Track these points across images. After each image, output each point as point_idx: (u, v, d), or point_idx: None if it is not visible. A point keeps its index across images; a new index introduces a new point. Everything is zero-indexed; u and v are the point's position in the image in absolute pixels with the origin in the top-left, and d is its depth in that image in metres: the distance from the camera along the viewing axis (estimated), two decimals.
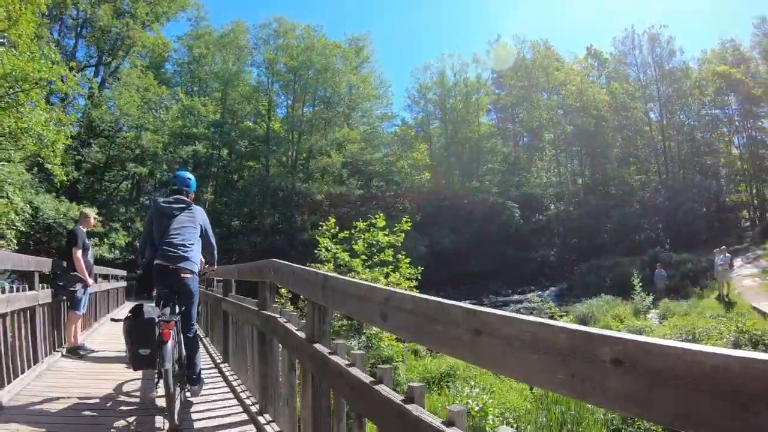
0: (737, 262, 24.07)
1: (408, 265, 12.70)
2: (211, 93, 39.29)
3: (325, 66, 39.42)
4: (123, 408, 4.20)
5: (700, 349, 0.82)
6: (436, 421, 1.44)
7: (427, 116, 49.90)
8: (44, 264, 5.93)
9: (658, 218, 36.94)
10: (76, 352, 6.31)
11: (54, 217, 21.57)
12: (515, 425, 7.01)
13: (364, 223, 13.51)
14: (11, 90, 14.72)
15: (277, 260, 3.68)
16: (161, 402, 4.04)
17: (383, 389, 1.75)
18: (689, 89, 40.53)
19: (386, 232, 13.41)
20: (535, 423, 7.12)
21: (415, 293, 1.64)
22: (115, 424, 3.73)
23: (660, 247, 31.76)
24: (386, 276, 12.22)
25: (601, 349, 0.95)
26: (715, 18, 65.99)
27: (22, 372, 4.75)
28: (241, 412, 4.13)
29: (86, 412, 4.01)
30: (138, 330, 3.56)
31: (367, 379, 1.89)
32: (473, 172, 44.48)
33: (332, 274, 2.51)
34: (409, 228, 13.92)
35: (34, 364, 5.15)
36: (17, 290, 4.86)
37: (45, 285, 5.80)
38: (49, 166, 17.82)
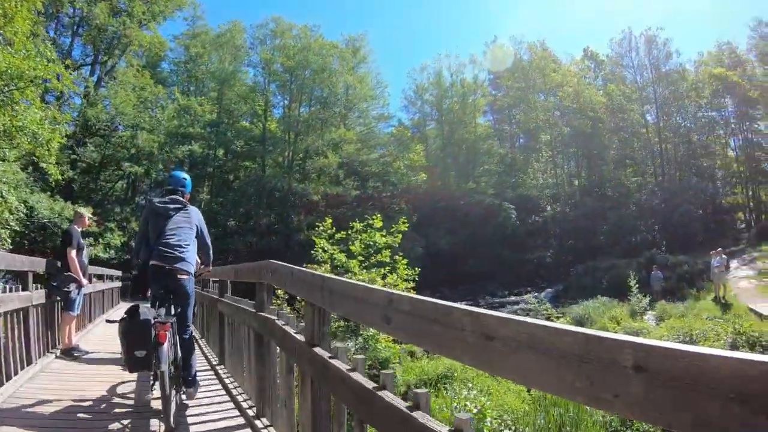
0: (733, 264, 24.13)
1: (405, 267, 12.64)
2: (207, 93, 39.25)
3: (321, 66, 39.45)
4: (117, 410, 4.14)
5: (728, 355, 0.78)
6: (444, 429, 1.39)
7: (424, 117, 49.93)
8: (38, 264, 5.86)
9: (654, 220, 37.04)
10: (70, 353, 6.23)
11: (49, 216, 21.46)
12: (513, 427, 6.96)
13: (361, 224, 13.46)
14: (6, 88, 14.61)
15: (275, 261, 3.63)
16: (156, 404, 3.99)
17: (387, 395, 1.70)
18: (686, 91, 40.73)
19: (383, 233, 13.35)
20: (534, 425, 7.07)
21: (425, 297, 1.59)
22: (109, 427, 3.67)
23: (656, 249, 31.82)
24: (383, 277, 12.15)
25: (623, 355, 0.91)
26: (712, 21, 66.34)
27: (15, 374, 4.68)
28: (237, 416, 4.07)
29: (80, 415, 3.95)
30: (134, 331, 3.51)
31: (369, 384, 1.84)
32: (469, 173, 44.53)
33: (332, 276, 2.46)
34: (406, 229, 13.85)
35: (28, 366, 5.07)
36: (10, 290, 4.80)
37: (39, 285, 5.74)
38: (44, 165, 17.69)
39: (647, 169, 43.22)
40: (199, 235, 4.52)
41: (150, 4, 30.90)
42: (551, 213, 42.88)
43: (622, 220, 36.55)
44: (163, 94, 33.72)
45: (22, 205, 19.35)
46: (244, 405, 4.19)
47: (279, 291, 9.66)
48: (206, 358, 6.50)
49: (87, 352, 6.49)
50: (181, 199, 4.50)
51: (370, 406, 1.78)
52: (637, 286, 17.62)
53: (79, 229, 6.64)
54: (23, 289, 5.14)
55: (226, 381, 5.11)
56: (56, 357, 6.07)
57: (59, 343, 6.36)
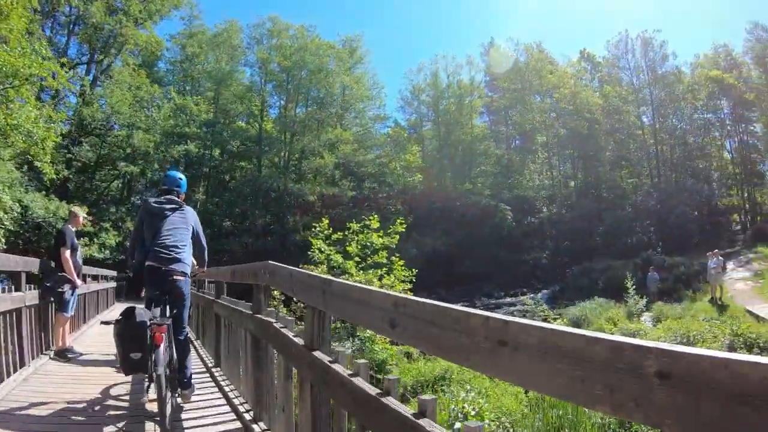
0: (729, 265, 24.20)
1: (402, 267, 12.61)
2: (203, 92, 39.12)
3: (318, 66, 39.39)
4: (112, 413, 4.09)
5: (758, 361, 0.74)
6: None
7: (420, 118, 49.87)
8: (32, 264, 5.80)
9: (650, 221, 37.07)
10: (64, 355, 6.16)
11: (43, 216, 21.31)
12: (512, 430, 6.92)
13: (358, 225, 13.41)
14: (1, 86, 14.53)
15: (273, 262, 3.58)
16: (151, 407, 3.94)
17: (391, 401, 1.65)
18: (682, 93, 40.84)
19: (380, 234, 13.31)
20: (532, 427, 7.03)
21: (433, 300, 1.53)
22: (104, 430, 3.62)
23: (652, 251, 31.84)
24: (380, 278, 12.12)
25: (645, 361, 0.87)
26: (709, 23, 66.62)
27: (8, 376, 4.62)
28: (234, 420, 4.02)
29: (74, 417, 3.90)
30: (129, 333, 3.46)
31: (373, 390, 1.79)
32: (466, 174, 44.50)
33: (333, 278, 2.40)
34: (403, 230, 13.83)
35: (20, 368, 5.01)
36: (3, 291, 4.74)
37: (32, 286, 5.68)
38: (38, 164, 17.63)
39: (643, 170, 43.29)
40: (195, 236, 4.48)
41: (146, 3, 30.74)
42: (547, 214, 42.87)
43: (618, 221, 36.57)
44: (159, 94, 33.54)
45: (17, 204, 19.20)
46: (241, 409, 4.13)
47: (275, 292, 9.60)
48: (202, 360, 6.43)
49: (81, 354, 6.42)
50: (176, 199, 4.47)
51: (374, 412, 1.73)
52: (633, 287, 17.61)
53: (74, 229, 6.58)
54: (16, 290, 5.07)
55: (223, 384, 5.04)
56: (50, 359, 6.00)
57: (53, 345, 6.30)
